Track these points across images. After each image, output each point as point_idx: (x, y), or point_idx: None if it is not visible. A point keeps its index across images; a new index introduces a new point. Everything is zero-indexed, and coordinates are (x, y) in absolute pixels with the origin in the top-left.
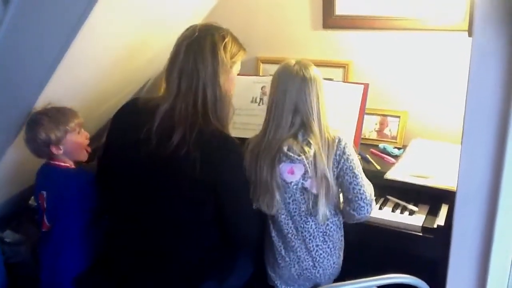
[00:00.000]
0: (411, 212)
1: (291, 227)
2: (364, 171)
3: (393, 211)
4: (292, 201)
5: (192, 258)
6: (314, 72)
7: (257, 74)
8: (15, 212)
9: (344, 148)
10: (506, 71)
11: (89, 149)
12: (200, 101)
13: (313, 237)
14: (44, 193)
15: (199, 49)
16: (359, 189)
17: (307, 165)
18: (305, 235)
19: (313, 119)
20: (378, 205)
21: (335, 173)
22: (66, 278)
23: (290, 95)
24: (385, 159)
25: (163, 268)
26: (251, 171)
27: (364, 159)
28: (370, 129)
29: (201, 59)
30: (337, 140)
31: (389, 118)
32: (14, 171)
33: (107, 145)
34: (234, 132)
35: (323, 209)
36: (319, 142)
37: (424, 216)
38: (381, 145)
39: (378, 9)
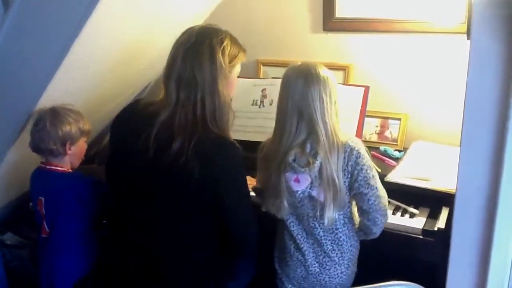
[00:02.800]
0: (412, 215)
1: (300, 228)
2: None
3: (393, 213)
4: (301, 206)
5: (192, 266)
6: (319, 71)
7: (257, 77)
8: (16, 215)
9: (357, 158)
10: (504, 73)
11: (82, 159)
12: (199, 110)
13: (321, 243)
14: (42, 198)
15: (196, 56)
16: (374, 200)
17: (313, 175)
18: (314, 239)
19: (318, 123)
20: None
21: (346, 183)
22: (65, 283)
23: (292, 99)
24: (385, 161)
25: (162, 276)
26: (261, 176)
27: None
28: (370, 132)
29: (199, 67)
30: (348, 149)
31: (389, 121)
32: (15, 174)
33: (110, 150)
34: (234, 134)
35: (330, 214)
36: (326, 149)
37: (424, 219)
38: (381, 148)
39: (378, 11)
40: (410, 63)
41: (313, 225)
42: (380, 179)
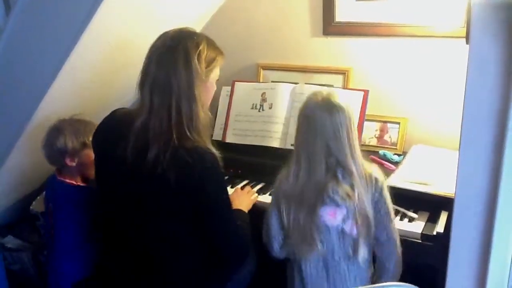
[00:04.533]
0: (411, 219)
1: (321, 267)
2: None
3: None
4: (327, 243)
5: (185, 269)
6: (340, 102)
7: (257, 81)
8: (16, 219)
9: (381, 190)
10: (503, 77)
11: None
12: (175, 117)
13: (344, 280)
14: (51, 206)
15: (171, 61)
16: (392, 235)
17: (349, 208)
18: (336, 278)
19: (348, 158)
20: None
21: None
22: (67, 283)
23: (321, 138)
24: (385, 165)
25: (156, 279)
26: (282, 215)
27: None
28: (370, 136)
29: (173, 72)
30: (374, 180)
31: (389, 125)
32: (16, 178)
33: (95, 161)
34: (234, 138)
35: (363, 251)
36: (358, 182)
37: (423, 223)
38: (381, 152)
39: (377, 16)
40: (410, 67)
41: (338, 261)
42: None
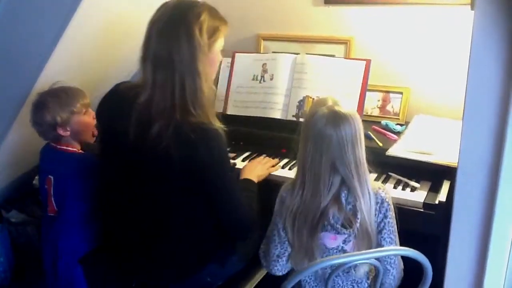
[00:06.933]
0: (413, 189)
1: (320, 280)
2: (366, 148)
3: (395, 187)
4: (326, 256)
5: (193, 243)
6: (348, 114)
7: (258, 52)
8: (20, 193)
9: (386, 210)
10: (509, 44)
11: (95, 131)
12: (178, 93)
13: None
14: (52, 178)
15: (172, 35)
16: (390, 256)
17: (350, 233)
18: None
19: (353, 175)
20: (380, 182)
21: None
22: (69, 262)
23: (328, 157)
24: (387, 135)
25: (165, 252)
26: (287, 228)
27: (366, 136)
28: (372, 106)
29: (175, 47)
30: (380, 200)
31: (391, 95)
32: (18, 152)
33: (98, 133)
34: (235, 110)
35: (363, 267)
36: (362, 204)
37: (425, 193)
38: (383, 122)
39: None
40: (412, 36)
41: (336, 274)
42: (382, 153)
